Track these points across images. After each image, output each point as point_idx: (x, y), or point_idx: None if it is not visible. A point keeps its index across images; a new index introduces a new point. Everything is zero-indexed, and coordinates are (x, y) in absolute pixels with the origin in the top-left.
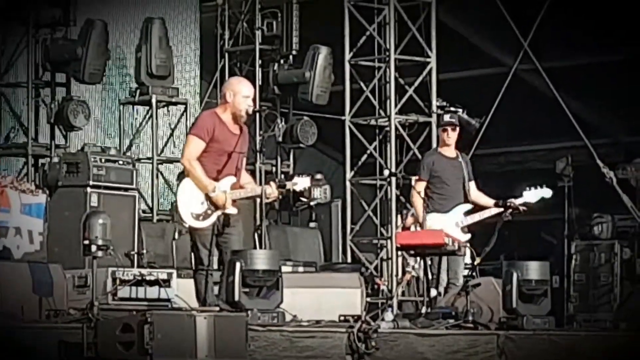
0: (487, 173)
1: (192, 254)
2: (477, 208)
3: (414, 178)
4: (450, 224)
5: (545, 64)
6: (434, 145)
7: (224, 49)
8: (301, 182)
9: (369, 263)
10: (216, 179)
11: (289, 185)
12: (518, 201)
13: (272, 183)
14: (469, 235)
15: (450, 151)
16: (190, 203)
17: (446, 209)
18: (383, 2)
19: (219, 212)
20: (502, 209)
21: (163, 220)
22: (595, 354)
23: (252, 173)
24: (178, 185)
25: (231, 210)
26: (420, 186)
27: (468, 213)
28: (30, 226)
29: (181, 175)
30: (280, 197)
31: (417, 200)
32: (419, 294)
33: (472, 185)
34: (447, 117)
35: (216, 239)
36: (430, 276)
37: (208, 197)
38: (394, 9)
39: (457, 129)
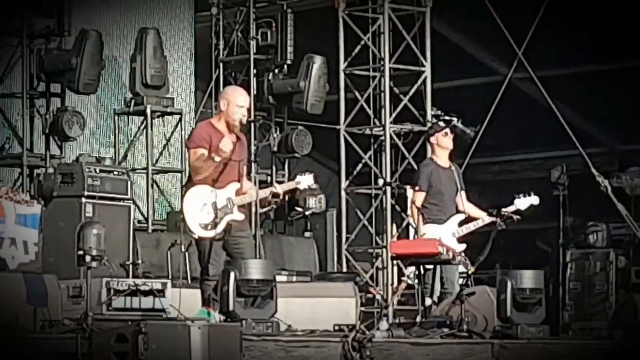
0: (482, 182)
1: (199, 263)
2: (470, 218)
3: (409, 188)
4: (447, 235)
5: (540, 72)
6: (429, 154)
7: (219, 58)
8: (304, 180)
9: (365, 272)
10: (219, 187)
11: (292, 184)
12: (510, 209)
13: (276, 185)
14: (464, 246)
15: (445, 161)
16: (196, 213)
17: (442, 220)
18: (377, 12)
19: (227, 219)
20: (495, 218)
21: (158, 230)
22: None
23: None
24: (182, 198)
25: (238, 216)
26: (420, 197)
27: (462, 223)
28: (25, 237)
29: (185, 187)
30: (284, 199)
31: (415, 211)
32: (414, 304)
33: (463, 195)
34: (442, 123)
35: (226, 245)
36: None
37: (214, 205)
38: (388, 18)
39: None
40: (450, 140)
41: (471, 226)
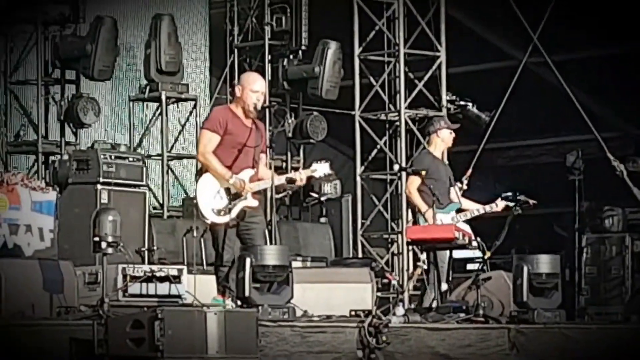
0: (497, 167)
1: (214, 249)
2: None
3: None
4: (447, 221)
5: (555, 57)
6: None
7: (234, 44)
8: (320, 168)
9: (380, 258)
10: (233, 173)
11: (307, 172)
12: (498, 206)
13: (302, 171)
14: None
15: (440, 154)
16: (210, 199)
17: (442, 206)
18: None
19: (240, 205)
20: (485, 211)
21: (173, 216)
22: (606, 347)
23: None
24: (197, 183)
25: (252, 202)
26: (416, 184)
27: (458, 211)
28: (41, 223)
29: (199, 173)
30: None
31: (417, 196)
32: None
33: (457, 190)
34: (451, 124)
35: (238, 231)
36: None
37: (228, 191)
38: (403, 3)
39: None
40: (452, 138)
41: (468, 214)
